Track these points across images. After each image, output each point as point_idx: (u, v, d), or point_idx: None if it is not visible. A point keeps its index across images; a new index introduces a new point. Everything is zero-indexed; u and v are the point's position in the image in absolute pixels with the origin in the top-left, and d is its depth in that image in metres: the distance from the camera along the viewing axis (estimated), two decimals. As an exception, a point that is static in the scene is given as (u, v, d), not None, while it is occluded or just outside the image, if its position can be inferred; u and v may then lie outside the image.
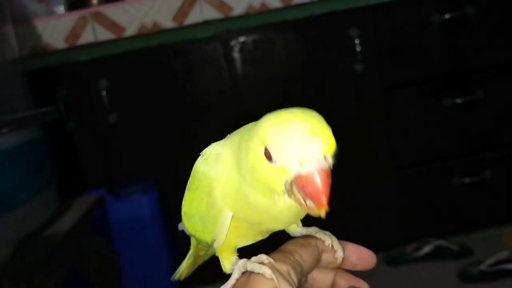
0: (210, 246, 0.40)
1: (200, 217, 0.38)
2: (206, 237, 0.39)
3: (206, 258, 0.51)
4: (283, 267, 0.34)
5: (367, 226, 1.75)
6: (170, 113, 1.63)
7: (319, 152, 0.30)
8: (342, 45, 1.63)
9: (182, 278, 0.53)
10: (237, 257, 0.38)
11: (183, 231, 0.48)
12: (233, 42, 1.60)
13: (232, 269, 0.37)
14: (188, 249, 0.51)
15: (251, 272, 0.35)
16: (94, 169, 1.65)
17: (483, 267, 1.54)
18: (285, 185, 0.31)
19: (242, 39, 1.60)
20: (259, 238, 0.40)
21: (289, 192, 0.32)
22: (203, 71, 1.61)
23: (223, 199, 0.35)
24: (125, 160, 1.66)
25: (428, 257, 1.70)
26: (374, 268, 0.41)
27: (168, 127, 1.64)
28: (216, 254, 0.40)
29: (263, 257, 0.35)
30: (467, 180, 1.72)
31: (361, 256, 0.41)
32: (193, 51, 1.60)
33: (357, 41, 1.60)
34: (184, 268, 0.52)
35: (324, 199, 0.31)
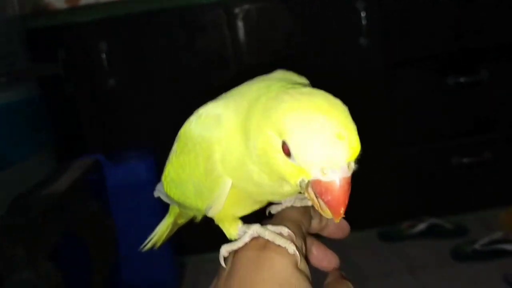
0: (200, 213, 0.38)
1: (193, 182, 0.35)
2: (199, 204, 0.36)
3: (181, 225, 0.50)
4: (299, 241, 0.33)
5: (364, 201, 1.75)
6: (169, 79, 1.62)
7: (343, 159, 0.28)
8: (348, 18, 1.61)
9: (157, 247, 0.53)
10: (243, 223, 0.36)
11: (159, 198, 0.48)
12: (237, 10, 1.57)
13: (239, 234, 0.35)
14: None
15: (267, 241, 0.33)
16: (92, 133, 1.64)
17: (477, 246, 1.55)
18: (300, 182, 0.29)
19: (246, 7, 1.57)
20: (257, 207, 0.37)
21: (304, 189, 0.29)
22: (205, 37, 1.58)
23: (223, 165, 0.33)
24: (123, 125, 1.65)
25: (423, 234, 1.70)
26: (347, 236, 0.40)
27: (168, 93, 1.63)
28: (216, 223, 0.38)
29: (284, 229, 0.33)
30: (466, 160, 1.72)
31: (339, 226, 0.39)
32: (196, 16, 1.57)
33: (363, 14, 1.58)
34: (159, 237, 0.52)
35: (342, 210, 0.28)
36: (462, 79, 1.64)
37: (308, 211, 0.38)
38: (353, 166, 0.29)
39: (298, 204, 0.38)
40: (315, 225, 0.38)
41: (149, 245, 0.53)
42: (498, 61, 1.66)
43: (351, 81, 1.66)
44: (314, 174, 0.27)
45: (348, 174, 0.28)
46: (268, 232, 0.33)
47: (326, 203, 0.28)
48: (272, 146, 0.28)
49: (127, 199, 1.48)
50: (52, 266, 1.03)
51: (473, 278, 1.45)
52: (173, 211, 0.48)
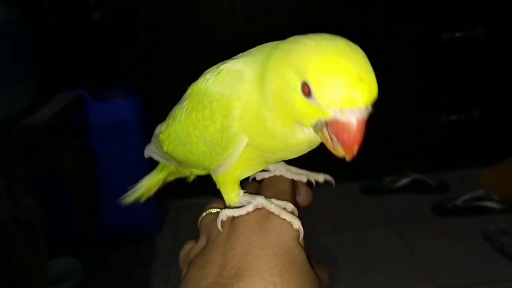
0: (205, 171, 0.38)
1: (205, 140, 0.35)
2: (208, 162, 0.36)
3: (169, 181, 0.50)
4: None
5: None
6: (157, 18, 1.55)
7: (362, 101, 0.29)
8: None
9: (142, 200, 0.51)
10: (245, 192, 0.36)
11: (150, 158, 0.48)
12: None
13: (241, 203, 0.36)
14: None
15: (269, 213, 0.34)
16: (75, 68, 1.58)
17: (458, 202, 1.57)
18: (317, 123, 0.30)
19: None
20: (262, 168, 0.37)
21: (318, 129, 0.30)
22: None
23: (241, 122, 0.33)
24: (108, 61, 1.59)
25: (405, 189, 1.72)
26: (310, 204, 0.42)
27: (154, 32, 1.56)
28: (218, 186, 0.38)
29: (289, 205, 0.34)
30: (453, 117, 1.71)
31: (307, 195, 0.41)
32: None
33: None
34: (145, 192, 0.50)
35: (356, 149, 0.30)
36: (457, 34, 1.61)
37: (295, 184, 0.39)
38: (369, 108, 0.30)
39: (289, 176, 0.39)
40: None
41: (132, 199, 0.51)
42: (496, 17, 1.63)
43: (346, 31, 1.61)
44: (333, 113, 0.28)
45: (365, 115, 0.29)
46: (274, 205, 0.34)
47: (342, 142, 0.29)
48: (290, 86, 0.29)
49: (110, 138, 1.44)
50: (32, 199, 1.00)
51: (453, 233, 1.47)
52: (166, 168, 0.47)
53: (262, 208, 0.35)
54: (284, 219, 0.34)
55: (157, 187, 0.50)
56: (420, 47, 1.65)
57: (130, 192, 0.50)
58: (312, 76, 0.28)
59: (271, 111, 0.31)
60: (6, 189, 0.94)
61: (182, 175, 0.46)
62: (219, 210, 0.38)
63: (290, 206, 0.35)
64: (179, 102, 0.40)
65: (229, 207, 0.36)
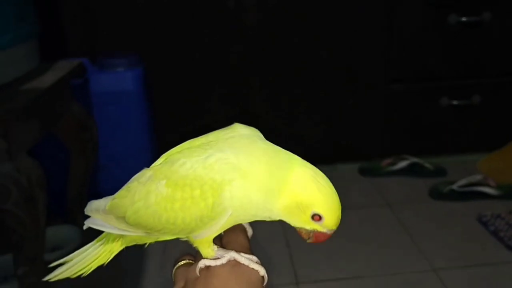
0: (182, 236, 0.44)
1: (193, 214, 0.41)
2: (192, 230, 0.42)
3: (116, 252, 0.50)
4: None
5: (348, 135, 1.75)
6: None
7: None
8: None
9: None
10: (217, 246, 0.44)
11: (90, 228, 0.48)
12: None
13: (216, 255, 0.43)
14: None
15: (238, 262, 0.43)
16: (77, 35, 1.56)
17: (454, 186, 1.57)
18: (309, 231, 0.42)
19: None
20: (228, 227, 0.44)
21: (304, 232, 0.43)
22: None
23: (231, 201, 0.40)
24: (110, 30, 1.57)
25: (402, 172, 1.73)
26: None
27: (160, 2, 1.54)
28: (192, 244, 0.44)
29: (254, 258, 0.43)
30: (455, 102, 1.71)
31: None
32: None
33: None
34: (84, 268, 0.49)
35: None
36: (464, 19, 1.60)
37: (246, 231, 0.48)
38: None
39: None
40: None
41: (64, 275, 0.49)
42: (502, 2, 1.62)
43: (350, 12, 1.61)
44: (326, 231, 0.42)
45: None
46: (244, 258, 0.42)
47: (318, 240, 0.43)
48: (301, 211, 0.41)
49: (111, 108, 1.44)
50: (33, 162, 1.00)
51: (448, 216, 1.48)
52: (122, 238, 0.48)
53: (234, 260, 0.43)
54: (253, 268, 0.42)
55: (109, 257, 0.49)
56: (426, 29, 1.64)
57: (64, 266, 0.49)
58: (324, 212, 0.41)
59: (268, 207, 0.41)
60: (7, 150, 0.94)
61: (140, 243, 0.48)
62: (190, 261, 0.46)
63: (255, 258, 0.43)
64: (138, 181, 0.44)
65: (206, 258, 0.43)
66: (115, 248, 0.49)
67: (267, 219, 0.43)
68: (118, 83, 1.42)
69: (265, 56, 1.64)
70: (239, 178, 0.40)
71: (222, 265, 0.43)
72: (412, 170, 1.73)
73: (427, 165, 1.73)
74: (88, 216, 0.49)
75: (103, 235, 0.49)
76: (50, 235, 1.14)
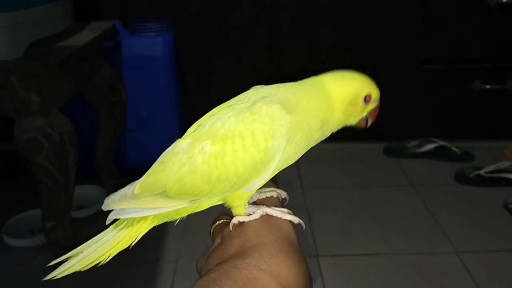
0: (231, 192, 0.43)
1: (246, 163, 0.41)
2: (245, 181, 0.42)
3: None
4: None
5: (379, 114, 1.73)
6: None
7: None
8: None
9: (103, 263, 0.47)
10: (249, 204, 0.45)
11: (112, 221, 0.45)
12: None
13: (248, 212, 0.44)
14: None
15: (273, 216, 0.44)
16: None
17: (481, 172, 1.55)
18: (367, 114, 0.47)
19: None
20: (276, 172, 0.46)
21: (362, 121, 0.47)
22: None
23: (283, 139, 0.41)
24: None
25: (428, 155, 1.70)
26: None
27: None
28: (226, 204, 0.45)
29: (285, 210, 0.45)
30: (488, 87, 1.67)
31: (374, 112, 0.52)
32: None
33: None
34: (103, 256, 0.46)
35: None
36: (504, 0, 1.55)
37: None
38: None
39: (263, 196, 0.48)
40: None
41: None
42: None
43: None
44: (376, 104, 0.47)
45: None
46: (276, 211, 0.44)
47: (374, 116, 0.48)
48: (355, 101, 0.45)
49: (141, 72, 1.44)
50: (65, 118, 1.01)
51: (473, 201, 1.46)
52: (147, 218, 0.46)
53: (266, 214, 0.44)
54: (286, 219, 0.44)
55: (131, 241, 0.46)
56: (463, 9, 1.60)
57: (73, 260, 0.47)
58: (369, 89, 0.46)
59: (326, 122, 0.44)
60: (40, 105, 0.95)
61: (173, 218, 0.47)
62: (227, 220, 0.47)
63: (286, 210, 0.44)
64: (174, 151, 0.43)
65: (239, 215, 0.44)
66: (143, 228, 0.46)
67: (321, 139, 0.46)
68: (149, 47, 1.42)
69: (297, 28, 1.63)
70: (288, 117, 0.42)
71: (256, 220, 0.44)
72: (438, 154, 1.70)
73: (454, 149, 1.70)
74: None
75: (120, 220, 0.46)
76: (77, 194, 1.16)
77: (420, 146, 1.72)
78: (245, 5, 1.59)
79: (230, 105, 0.45)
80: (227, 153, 0.41)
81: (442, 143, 1.71)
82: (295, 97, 0.44)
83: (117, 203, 0.44)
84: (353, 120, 0.47)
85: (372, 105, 0.47)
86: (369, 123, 0.48)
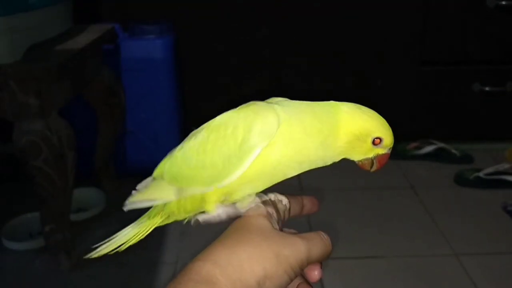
0: (212, 183, 0.42)
1: (222, 152, 0.41)
2: (220, 173, 0.41)
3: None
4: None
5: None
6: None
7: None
8: None
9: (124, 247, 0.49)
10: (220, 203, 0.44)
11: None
12: None
13: (216, 209, 0.43)
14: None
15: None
16: (110, 0, 1.56)
17: (481, 174, 1.55)
18: (372, 157, 0.45)
19: None
20: (262, 186, 0.44)
21: (365, 159, 0.45)
22: None
23: (260, 138, 0.40)
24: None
25: (428, 157, 1.70)
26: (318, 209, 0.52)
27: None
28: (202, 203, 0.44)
29: (258, 200, 0.44)
30: (487, 88, 1.67)
31: (312, 202, 0.51)
32: None
33: None
34: (128, 241, 0.49)
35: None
36: (504, 2, 1.55)
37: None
38: None
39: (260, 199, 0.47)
40: (296, 212, 0.50)
41: (110, 249, 0.49)
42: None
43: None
44: (386, 150, 0.45)
45: None
46: (240, 209, 0.43)
47: (381, 164, 0.45)
48: (361, 140, 0.43)
49: (140, 75, 1.44)
50: (64, 122, 1.01)
51: (472, 203, 1.46)
52: (163, 211, 0.48)
53: (233, 214, 0.43)
54: (250, 210, 0.43)
55: (146, 232, 0.50)
56: (462, 10, 1.60)
57: (108, 242, 0.49)
58: (382, 133, 0.43)
59: (326, 148, 0.42)
60: (39, 108, 0.95)
61: (177, 217, 0.48)
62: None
63: (258, 200, 0.44)
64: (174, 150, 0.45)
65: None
66: (155, 221, 0.49)
67: (320, 165, 0.44)
68: (148, 50, 1.42)
69: (297, 32, 1.63)
70: (275, 116, 0.41)
71: (215, 220, 0.43)
72: (438, 155, 1.70)
73: (454, 151, 1.70)
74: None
75: (143, 216, 0.49)
76: (76, 197, 1.16)
77: (420, 148, 1.72)
78: (245, 6, 1.58)
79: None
80: (210, 141, 0.42)
81: (441, 145, 1.71)
82: (300, 113, 0.42)
83: (131, 203, 0.48)
84: (356, 156, 0.45)
85: (382, 150, 0.45)
86: (374, 168, 0.46)
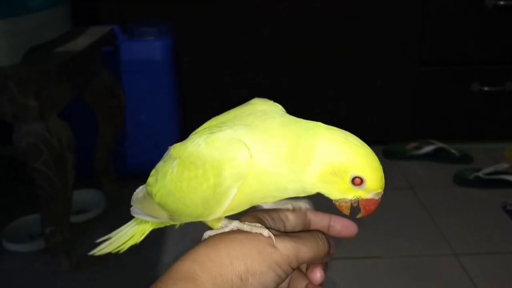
0: (197, 218, 0.42)
1: (199, 195, 0.39)
2: (202, 212, 0.40)
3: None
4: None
5: (375, 115, 1.73)
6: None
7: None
8: None
9: (123, 250, 0.51)
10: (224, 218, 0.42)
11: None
12: None
13: (221, 226, 0.42)
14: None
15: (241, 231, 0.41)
16: (109, 2, 1.57)
17: (480, 174, 1.55)
18: (352, 199, 0.39)
19: None
20: (244, 208, 0.42)
21: (344, 205, 0.39)
22: None
23: (233, 180, 0.37)
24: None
25: (427, 157, 1.70)
26: (356, 234, 0.47)
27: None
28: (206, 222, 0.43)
29: (258, 224, 0.41)
30: (486, 88, 1.68)
31: (344, 225, 0.47)
32: None
33: None
34: (125, 242, 0.50)
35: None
36: (502, 2, 1.55)
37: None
38: None
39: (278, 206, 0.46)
40: (318, 224, 0.47)
41: (107, 250, 0.51)
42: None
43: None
44: (371, 195, 0.38)
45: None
46: (246, 225, 0.40)
47: (368, 210, 0.39)
48: (338, 177, 0.37)
49: (139, 76, 1.44)
50: (63, 124, 1.01)
51: (472, 203, 1.46)
52: (151, 224, 0.50)
53: (237, 229, 0.41)
54: (256, 232, 0.40)
55: (141, 237, 0.50)
56: (461, 11, 1.60)
57: (106, 242, 0.51)
58: (365, 173, 0.37)
59: (299, 178, 0.38)
60: (39, 111, 0.96)
61: (167, 224, 0.49)
62: None
63: (258, 225, 0.40)
64: (163, 160, 0.43)
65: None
66: (146, 228, 0.50)
67: (302, 194, 0.40)
68: (147, 52, 1.42)
69: (297, 32, 1.63)
70: (244, 155, 0.37)
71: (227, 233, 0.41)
72: (437, 155, 1.70)
73: (453, 151, 1.70)
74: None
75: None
76: (76, 199, 1.17)
77: (419, 148, 1.72)
78: (245, 8, 1.59)
79: (219, 122, 0.42)
80: (184, 178, 0.39)
81: (441, 145, 1.71)
82: (274, 138, 0.38)
83: (135, 201, 0.48)
84: (333, 194, 0.39)
85: (366, 194, 0.38)
86: (360, 215, 0.40)
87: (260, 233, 0.40)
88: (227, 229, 0.41)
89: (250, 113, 0.41)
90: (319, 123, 0.39)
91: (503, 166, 1.57)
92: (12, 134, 0.98)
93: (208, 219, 0.42)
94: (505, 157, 1.70)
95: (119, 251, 0.51)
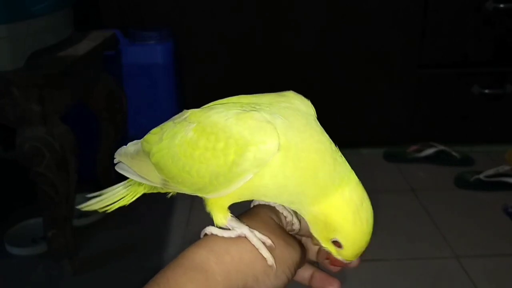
0: (198, 192, 0.40)
1: (211, 167, 0.37)
2: (206, 187, 0.38)
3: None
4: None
5: (376, 118, 1.74)
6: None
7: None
8: None
9: (111, 210, 0.49)
10: (232, 216, 0.40)
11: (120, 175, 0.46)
12: None
13: (227, 225, 0.39)
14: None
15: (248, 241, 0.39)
16: (110, 6, 1.57)
17: (481, 176, 1.55)
18: (325, 248, 0.40)
19: None
20: (243, 200, 0.41)
21: (320, 246, 0.40)
22: None
23: (253, 165, 0.36)
24: (143, 2, 1.58)
25: (428, 159, 1.71)
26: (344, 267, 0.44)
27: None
28: (207, 210, 0.41)
29: (268, 240, 0.39)
30: (486, 91, 1.68)
31: (328, 282, 0.46)
32: None
33: None
34: (116, 201, 0.49)
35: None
36: (501, 5, 1.56)
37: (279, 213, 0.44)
38: None
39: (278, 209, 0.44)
40: (312, 255, 0.47)
41: (97, 207, 0.50)
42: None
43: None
44: (341, 258, 0.40)
45: None
46: (256, 239, 0.38)
47: (333, 264, 0.42)
48: (326, 229, 0.38)
49: (141, 80, 1.45)
50: (65, 128, 1.02)
51: (473, 205, 1.47)
52: (144, 187, 0.48)
53: (244, 237, 0.39)
54: (261, 254, 0.38)
55: (132, 199, 0.49)
56: (461, 13, 1.60)
57: (95, 199, 0.49)
58: (347, 244, 0.38)
59: (300, 200, 0.38)
60: (41, 115, 0.96)
61: (161, 191, 0.46)
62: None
63: (268, 241, 0.39)
64: (173, 121, 0.41)
65: (216, 226, 0.40)
66: (138, 191, 0.48)
67: (292, 208, 0.40)
68: (148, 55, 1.43)
69: (297, 34, 1.63)
70: (274, 143, 0.35)
71: (230, 237, 0.39)
72: (438, 158, 1.70)
73: (454, 153, 1.70)
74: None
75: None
76: (78, 202, 1.17)
77: (420, 150, 1.72)
78: (245, 11, 1.59)
79: (250, 102, 0.41)
80: (198, 146, 0.37)
81: (441, 147, 1.71)
82: (304, 151, 0.37)
83: (121, 156, 0.47)
84: (314, 231, 0.39)
85: (337, 254, 0.40)
86: (321, 260, 0.43)
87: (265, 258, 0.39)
88: (233, 234, 0.39)
89: (287, 107, 0.40)
90: (353, 175, 0.39)
91: (504, 168, 1.57)
92: (15, 138, 0.98)
93: (207, 196, 0.39)
94: (506, 159, 1.70)
95: (106, 210, 0.49)
